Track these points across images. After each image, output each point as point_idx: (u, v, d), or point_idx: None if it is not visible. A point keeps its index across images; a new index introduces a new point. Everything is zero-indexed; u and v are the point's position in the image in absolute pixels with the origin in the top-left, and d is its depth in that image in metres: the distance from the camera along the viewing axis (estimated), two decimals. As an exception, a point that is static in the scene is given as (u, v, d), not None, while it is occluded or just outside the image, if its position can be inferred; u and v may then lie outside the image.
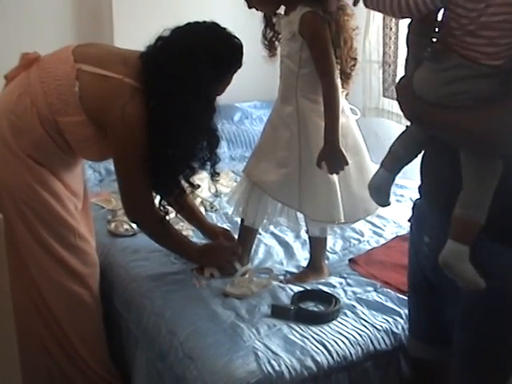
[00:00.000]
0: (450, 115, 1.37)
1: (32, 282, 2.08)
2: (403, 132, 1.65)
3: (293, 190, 2.10)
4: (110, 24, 3.34)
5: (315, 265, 2.27)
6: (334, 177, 2.06)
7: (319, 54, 1.98)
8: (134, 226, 2.47)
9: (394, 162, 1.67)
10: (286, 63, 2.07)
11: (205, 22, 2.00)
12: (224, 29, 2.00)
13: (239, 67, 2.02)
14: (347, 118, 2.12)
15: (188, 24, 1.98)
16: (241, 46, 2.00)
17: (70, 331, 2.16)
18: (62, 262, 2.10)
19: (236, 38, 2.01)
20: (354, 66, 2.13)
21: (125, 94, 1.90)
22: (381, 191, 1.71)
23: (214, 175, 2.14)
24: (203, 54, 1.91)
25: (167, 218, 2.13)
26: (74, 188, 2.16)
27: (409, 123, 1.60)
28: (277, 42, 2.15)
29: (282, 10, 2.09)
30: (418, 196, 2.91)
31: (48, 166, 2.04)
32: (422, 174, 1.65)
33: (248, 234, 2.27)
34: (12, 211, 2.00)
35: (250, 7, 2.06)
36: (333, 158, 1.99)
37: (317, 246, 2.26)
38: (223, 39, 1.98)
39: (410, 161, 1.66)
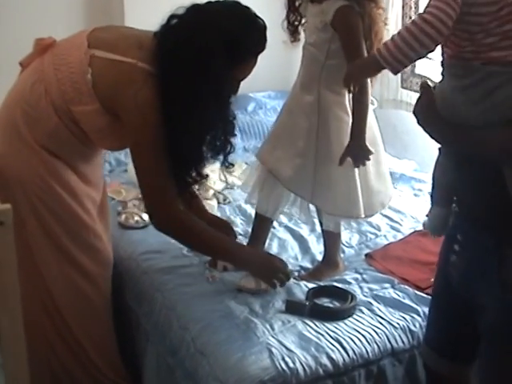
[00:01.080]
0: (489, 133, 1.30)
1: (39, 277, 2.01)
2: (437, 158, 1.58)
3: (307, 181, 2.07)
4: (121, 7, 3.28)
5: (330, 260, 2.23)
6: (354, 170, 2.03)
7: (352, 49, 1.95)
8: (145, 217, 2.42)
9: (441, 194, 1.60)
10: (312, 51, 2.04)
11: (225, 1, 1.86)
12: (246, 8, 1.85)
13: (262, 50, 1.87)
14: None
15: (207, 2, 1.86)
16: (263, 26, 1.86)
17: (74, 326, 2.09)
18: (74, 260, 2.03)
19: (258, 17, 1.86)
20: None
21: (138, 80, 1.81)
22: (440, 230, 1.66)
23: (228, 166, 2.03)
24: (217, 33, 1.78)
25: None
26: (92, 180, 2.09)
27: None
28: (300, 27, 2.10)
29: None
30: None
31: (64, 158, 1.97)
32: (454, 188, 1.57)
33: (262, 225, 2.23)
34: (24, 205, 1.93)
35: None
36: (359, 153, 1.98)
37: (330, 240, 2.22)
38: (242, 18, 1.84)
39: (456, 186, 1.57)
